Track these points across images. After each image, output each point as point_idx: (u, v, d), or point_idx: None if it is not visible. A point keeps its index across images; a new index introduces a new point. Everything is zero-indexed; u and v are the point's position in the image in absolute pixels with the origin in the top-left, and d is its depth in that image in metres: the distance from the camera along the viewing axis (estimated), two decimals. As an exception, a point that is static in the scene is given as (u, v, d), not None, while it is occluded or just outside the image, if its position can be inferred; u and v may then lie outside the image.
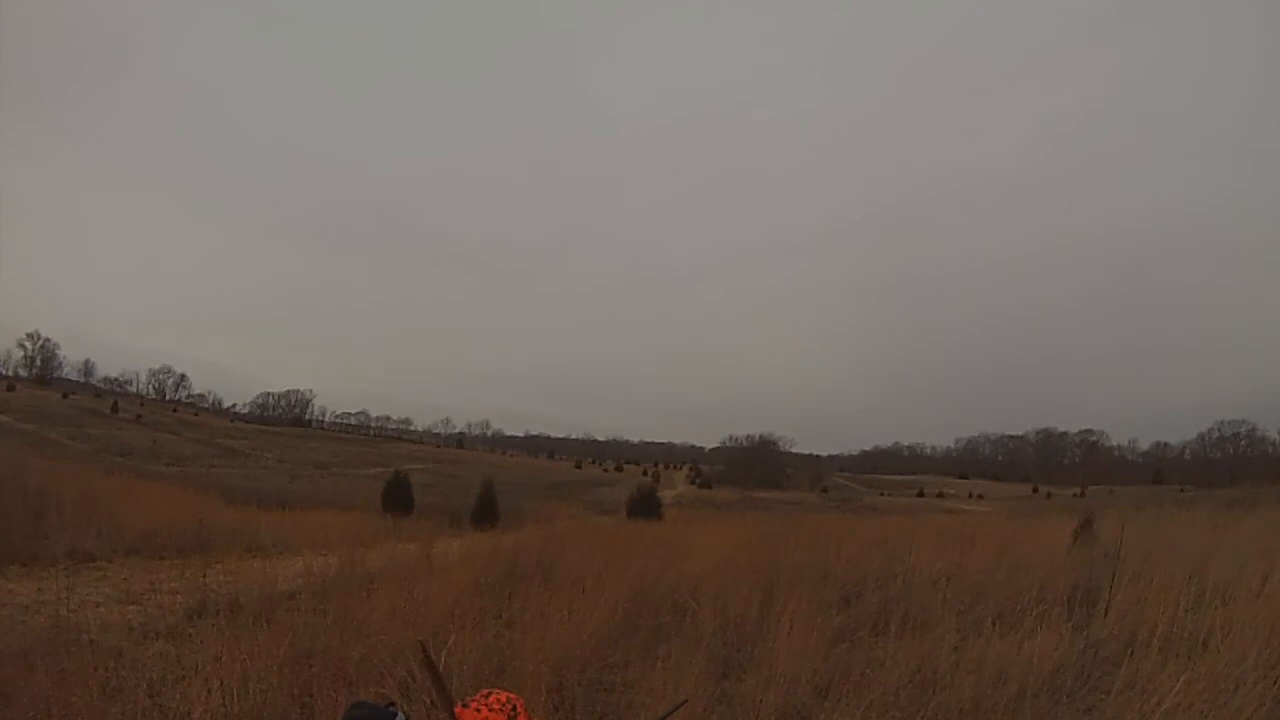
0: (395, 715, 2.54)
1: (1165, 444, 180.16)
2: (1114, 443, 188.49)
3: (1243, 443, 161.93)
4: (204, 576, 11.49)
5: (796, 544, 21.49)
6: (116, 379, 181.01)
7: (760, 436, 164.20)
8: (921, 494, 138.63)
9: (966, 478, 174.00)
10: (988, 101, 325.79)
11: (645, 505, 43.66)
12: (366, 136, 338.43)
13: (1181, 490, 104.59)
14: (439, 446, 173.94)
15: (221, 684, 6.24)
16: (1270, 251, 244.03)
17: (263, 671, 6.55)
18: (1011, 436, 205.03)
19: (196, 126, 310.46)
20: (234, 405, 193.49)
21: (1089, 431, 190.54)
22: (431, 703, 2.75)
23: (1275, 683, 6.66)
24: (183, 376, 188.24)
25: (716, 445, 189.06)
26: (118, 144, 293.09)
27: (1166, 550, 14.69)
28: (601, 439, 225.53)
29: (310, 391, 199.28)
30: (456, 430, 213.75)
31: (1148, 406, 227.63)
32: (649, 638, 10.34)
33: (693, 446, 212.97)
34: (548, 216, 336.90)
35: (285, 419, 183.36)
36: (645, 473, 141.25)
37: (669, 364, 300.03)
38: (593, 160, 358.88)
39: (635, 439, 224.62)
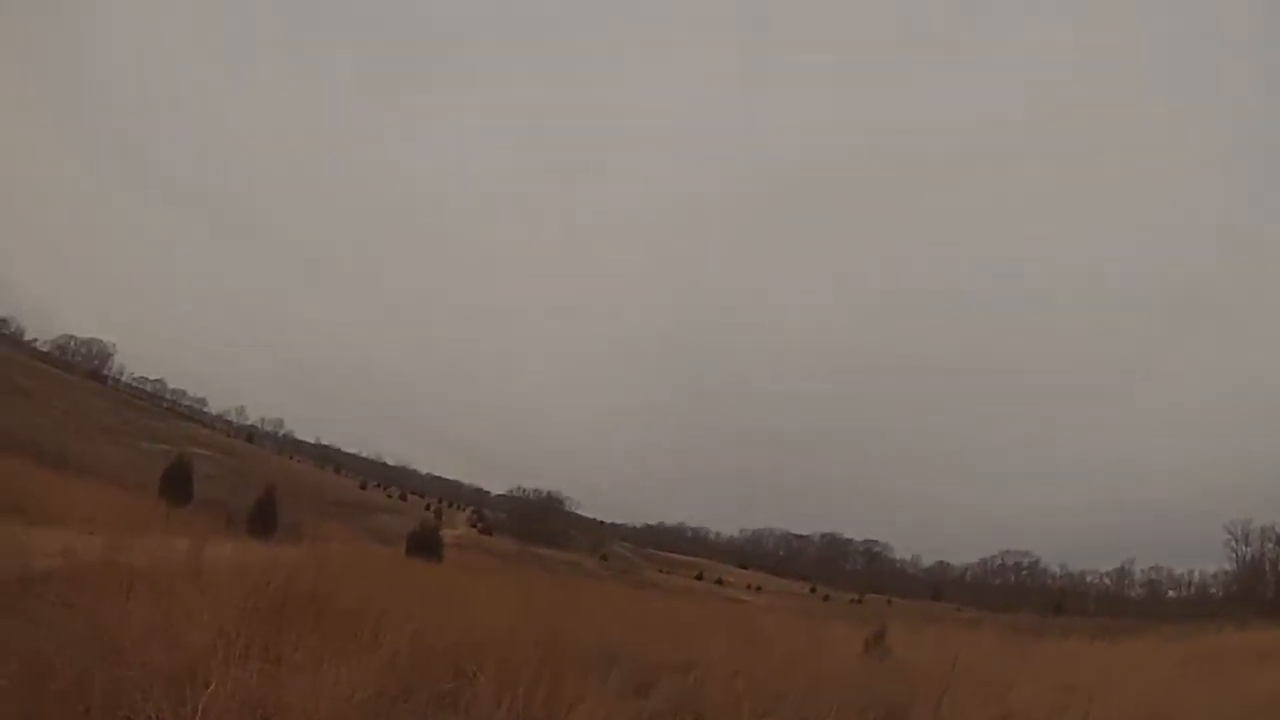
0: None
1: (947, 563, 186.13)
2: (897, 556, 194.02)
3: (1024, 572, 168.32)
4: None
5: (584, 616, 21.15)
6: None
7: (548, 492, 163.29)
8: (701, 577, 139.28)
9: (747, 568, 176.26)
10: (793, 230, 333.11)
11: (427, 544, 42.67)
12: (206, 92, 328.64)
13: (959, 609, 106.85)
14: (229, 435, 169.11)
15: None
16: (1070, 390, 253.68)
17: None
18: (797, 535, 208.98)
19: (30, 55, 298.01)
20: (35, 340, 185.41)
21: (873, 542, 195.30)
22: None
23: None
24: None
25: (503, 493, 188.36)
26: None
27: (966, 673, 14.57)
28: (391, 463, 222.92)
29: (113, 345, 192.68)
30: (249, 422, 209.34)
31: (932, 527, 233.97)
32: (428, 707, 9.72)
33: (479, 489, 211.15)
34: (371, 227, 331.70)
35: (83, 368, 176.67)
36: (429, 507, 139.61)
37: (469, 403, 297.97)
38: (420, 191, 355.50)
39: (424, 469, 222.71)
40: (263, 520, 33.26)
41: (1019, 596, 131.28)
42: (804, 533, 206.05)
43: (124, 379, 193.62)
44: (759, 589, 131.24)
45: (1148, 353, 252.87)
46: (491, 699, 10.09)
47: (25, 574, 10.28)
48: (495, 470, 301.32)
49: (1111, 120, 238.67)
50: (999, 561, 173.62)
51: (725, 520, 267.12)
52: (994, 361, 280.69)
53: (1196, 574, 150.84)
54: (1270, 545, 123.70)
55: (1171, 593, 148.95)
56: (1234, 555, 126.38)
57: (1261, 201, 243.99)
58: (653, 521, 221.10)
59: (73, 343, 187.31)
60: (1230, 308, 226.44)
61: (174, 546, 16.53)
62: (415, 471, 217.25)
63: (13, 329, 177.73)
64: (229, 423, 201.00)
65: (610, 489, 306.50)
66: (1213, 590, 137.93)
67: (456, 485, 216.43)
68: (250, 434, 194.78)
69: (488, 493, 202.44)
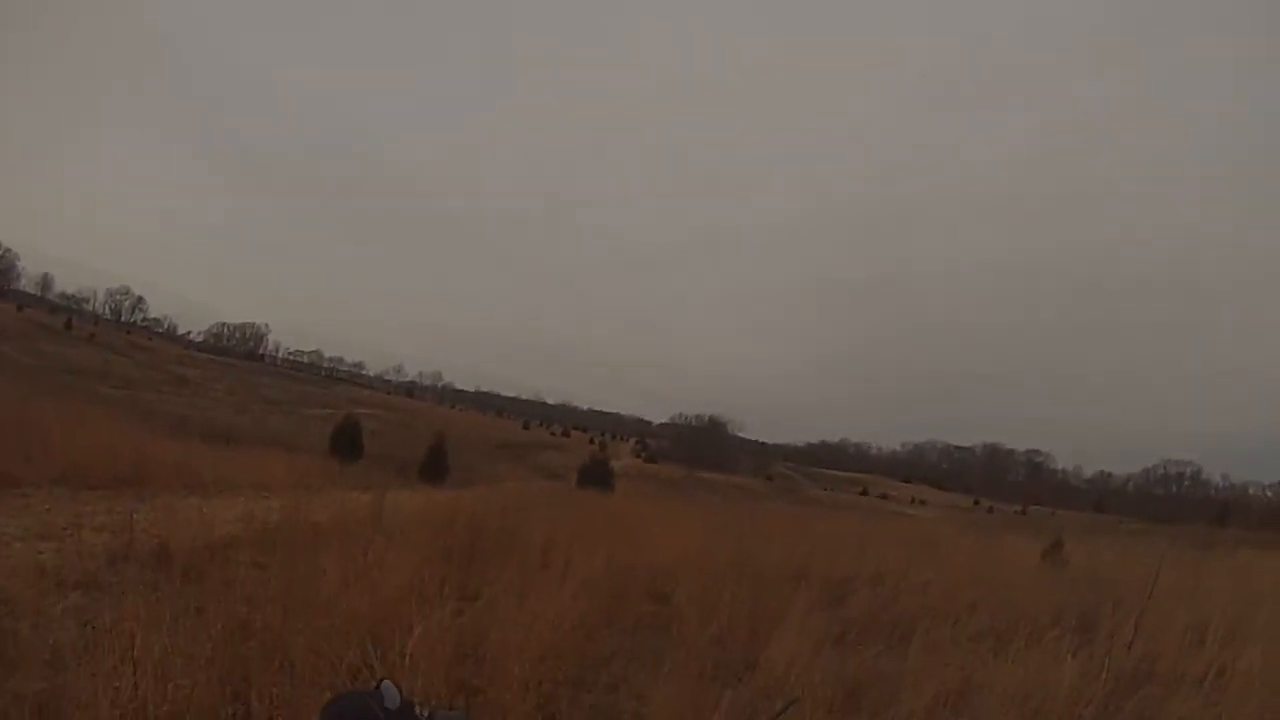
0: (381, 692, 2.07)
1: (1109, 474, 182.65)
2: (1059, 466, 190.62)
3: (1186, 483, 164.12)
4: (133, 515, 10.31)
5: (763, 536, 20.88)
6: (73, 295, 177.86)
7: (710, 417, 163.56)
8: (865, 493, 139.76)
9: (910, 482, 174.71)
10: (972, 116, 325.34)
11: (597, 474, 42.75)
12: (347, 90, 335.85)
13: (1122, 521, 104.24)
14: (389, 394, 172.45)
15: (135, 669, 4.92)
16: (1237, 298, 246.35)
17: (189, 653, 5.30)
18: (959, 447, 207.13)
19: (178, 65, 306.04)
20: (189, 333, 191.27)
21: (1035, 451, 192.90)
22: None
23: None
24: (140, 299, 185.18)
25: (665, 421, 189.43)
26: (91, 74, 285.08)
27: (1145, 582, 14.03)
28: (551, 402, 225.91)
29: (266, 326, 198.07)
30: (408, 379, 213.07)
31: (1095, 435, 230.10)
32: (633, 629, 9.43)
33: (641, 420, 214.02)
34: (526, 186, 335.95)
35: (239, 351, 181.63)
36: (592, 440, 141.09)
37: (627, 337, 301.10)
38: (575, 132, 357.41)
39: (584, 406, 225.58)
40: (435, 468, 33.67)
41: (1181, 508, 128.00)
42: (966, 444, 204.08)
43: (280, 355, 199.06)
44: (923, 503, 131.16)
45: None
46: (693, 617, 9.75)
47: (210, 542, 10.16)
48: (656, 400, 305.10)
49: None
50: (1161, 471, 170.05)
51: (887, 434, 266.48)
52: (1161, 267, 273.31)
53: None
54: None
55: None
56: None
57: None
58: (814, 440, 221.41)
59: (226, 329, 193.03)
60: None
61: (353, 500, 16.56)
62: (575, 408, 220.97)
63: (166, 327, 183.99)
64: (388, 382, 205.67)
65: (771, 409, 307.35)
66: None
67: (617, 417, 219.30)
68: (410, 389, 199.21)
69: (649, 422, 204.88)
